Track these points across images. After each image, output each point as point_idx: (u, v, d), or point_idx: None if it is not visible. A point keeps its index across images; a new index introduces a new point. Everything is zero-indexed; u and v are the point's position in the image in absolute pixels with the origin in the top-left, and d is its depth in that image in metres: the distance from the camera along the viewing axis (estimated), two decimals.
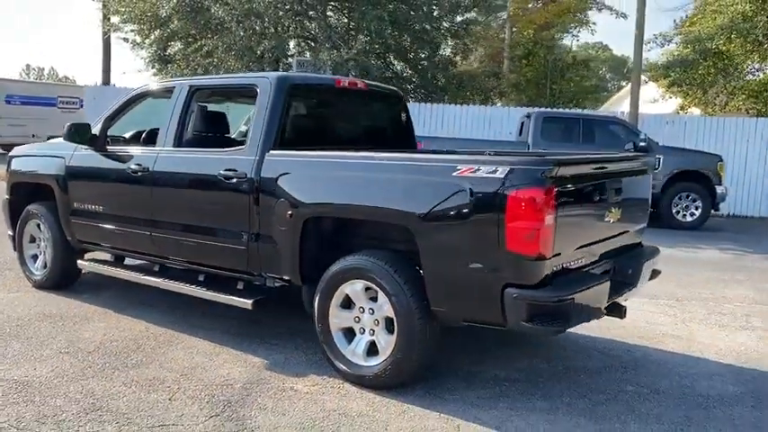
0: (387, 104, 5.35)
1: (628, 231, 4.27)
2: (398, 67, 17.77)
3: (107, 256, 5.58)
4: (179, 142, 4.79)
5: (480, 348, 4.58)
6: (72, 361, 4.09)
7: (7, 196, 6.04)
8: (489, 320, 3.45)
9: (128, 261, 5.48)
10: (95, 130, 5.27)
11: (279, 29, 14.86)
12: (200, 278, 4.75)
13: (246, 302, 4.30)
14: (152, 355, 4.26)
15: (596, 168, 3.83)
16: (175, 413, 3.41)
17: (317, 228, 4.02)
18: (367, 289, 3.78)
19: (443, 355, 4.35)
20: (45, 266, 5.75)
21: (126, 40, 18.19)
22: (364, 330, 3.85)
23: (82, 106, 19.94)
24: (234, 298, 4.37)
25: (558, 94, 21.82)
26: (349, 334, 3.92)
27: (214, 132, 5.01)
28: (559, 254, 3.40)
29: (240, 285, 4.52)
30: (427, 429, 3.35)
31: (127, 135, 5.61)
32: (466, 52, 19.08)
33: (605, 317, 3.98)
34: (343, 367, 3.87)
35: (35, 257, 5.88)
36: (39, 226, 5.75)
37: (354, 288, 3.83)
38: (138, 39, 18.00)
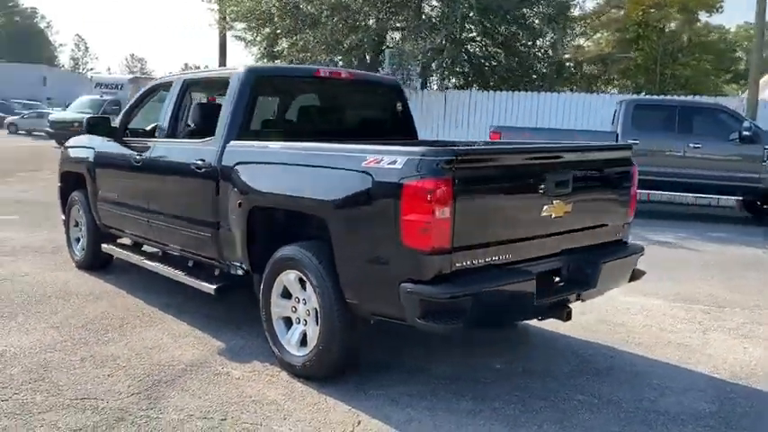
0: (378, 94, 5.28)
1: (594, 227, 3.93)
2: (499, 56, 17.32)
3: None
4: (173, 133, 5.04)
5: (447, 343, 4.43)
6: (54, 335, 4.45)
7: (59, 184, 6.67)
8: (394, 316, 3.33)
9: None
10: (117, 122, 5.68)
11: (369, 21, 15.02)
12: (190, 264, 4.98)
13: (210, 288, 4.45)
14: (127, 333, 4.54)
15: (526, 159, 3.56)
16: (104, 388, 3.62)
17: (263, 217, 4.07)
18: (301, 280, 3.79)
19: (403, 348, 4.29)
20: (83, 249, 6.29)
21: (238, 38, 19.25)
22: (300, 320, 3.86)
23: None
24: (202, 283, 4.55)
25: (669, 78, 20.09)
26: (288, 323, 3.95)
27: (208, 124, 5.20)
28: (468, 248, 3.21)
29: (216, 272, 4.69)
30: (327, 422, 3.31)
31: (148, 128, 5.97)
32: (569, 38, 18.17)
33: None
34: (280, 355, 3.92)
35: (78, 240, 6.44)
36: (79, 211, 6.30)
37: (289, 278, 3.85)
38: (249, 37, 18.99)
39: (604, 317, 5.28)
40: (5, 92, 49.04)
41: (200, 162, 4.45)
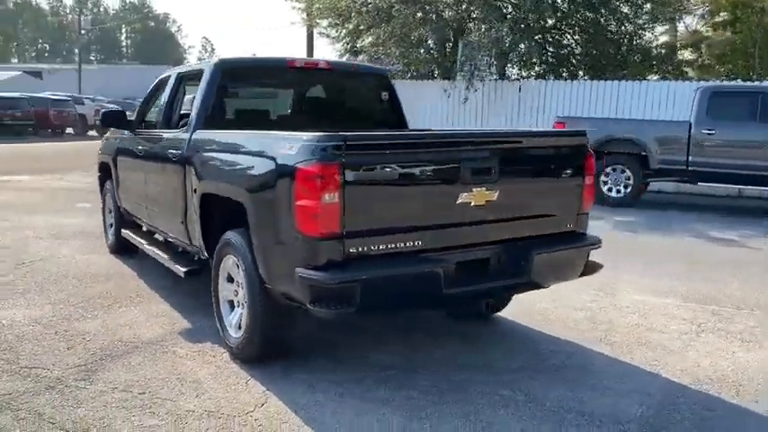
0: (361, 84, 5.27)
1: (534, 217, 3.75)
2: (584, 44, 16.60)
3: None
4: (168, 124, 5.31)
5: (407, 333, 4.40)
6: (48, 311, 4.83)
7: (98, 173, 7.20)
8: (299, 300, 3.35)
9: None
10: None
11: (445, 13, 14.88)
12: (179, 249, 5.24)
13: (181, 270, 4.67)
14: (112, 312, 4.85)
15: (431, 147, 3.44)
16: (57, 359, 3.91)
17: (212, 203, 4.20)
18: (238, 264, 3.90)
19: (356, 336, 4.33)
20: (113, 234, 6.76)
21: (323, 34, 19.70)
22: (239, 304, 3.97)
23: None
24: (176, 266, 4.77)
25: None
26: (232, 306, 4.07)
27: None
28: (366, 234, 3.17)
29: (196, 257, 4.90)
30: (234, 401, 3.40)
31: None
32: (659, 21, 17.03)
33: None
34: (224, 337, 4.06)
35: (111, 225, 6.92)
36: (110, 198, 6.77)
37: (228, 263, 3.97)
38: (334, 33, 19.39)
39: (595, 315, 5.00)
40: (137, 92, 53.15)
41: (174, 150, 4.67)
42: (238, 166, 3.72)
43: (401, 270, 3.22)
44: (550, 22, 15.23)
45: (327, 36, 19.84)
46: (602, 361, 4.07)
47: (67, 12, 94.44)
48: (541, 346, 4.28)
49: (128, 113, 6.19)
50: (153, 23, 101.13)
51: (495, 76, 14.54)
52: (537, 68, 17.16)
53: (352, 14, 16.42)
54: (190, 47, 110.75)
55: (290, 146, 3.22)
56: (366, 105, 5.32)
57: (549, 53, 16.31)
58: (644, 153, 10.94)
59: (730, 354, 4.24)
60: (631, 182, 11.16)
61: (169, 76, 5.59)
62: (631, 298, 5.48)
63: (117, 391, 3.50)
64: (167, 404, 3.35)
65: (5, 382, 3.57)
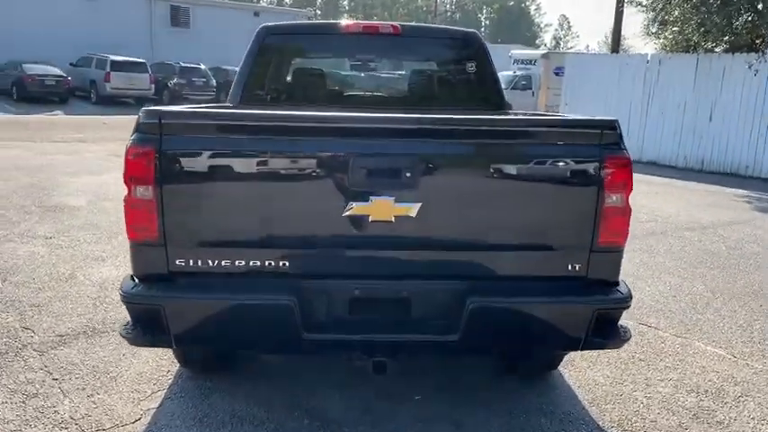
0: (439, 52, 4.20)
1: (501, 249, 2.47)
2: None
3: None
4: None
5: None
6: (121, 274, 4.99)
7: None
8: None
9: None
10: None
11: None
12: None
13: None
14: None
15: (297, 131, 2.38)
16: (50, 325, 3.97)
17: None
18: None
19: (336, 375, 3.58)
20: None
21: (632, 2, 17.45)
22: None
23: None
24: None
25: None
26: None
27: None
28: (199, 245, 2.42)
29: None
30: (113, 412, 3.00)
31: None
32: None
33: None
34: None
35: None
36: None
37: None
38: (645, 1, 17.03)
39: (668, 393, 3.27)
40: None
41: None
42: None
43: (226, 298, 2.38)
44: None
45: (639, 4, 17.52)
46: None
47: None
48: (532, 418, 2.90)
49: None
50: (512, 2, 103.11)
51: None
52: None
53: None
54: (546, 24, 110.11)
55: None
56: (448, 78, 4.26)
57: None
58: None
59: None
60: None
61: None
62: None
63: (42, 370, 3.39)
64: (53, 397, 3.12)
65: None
